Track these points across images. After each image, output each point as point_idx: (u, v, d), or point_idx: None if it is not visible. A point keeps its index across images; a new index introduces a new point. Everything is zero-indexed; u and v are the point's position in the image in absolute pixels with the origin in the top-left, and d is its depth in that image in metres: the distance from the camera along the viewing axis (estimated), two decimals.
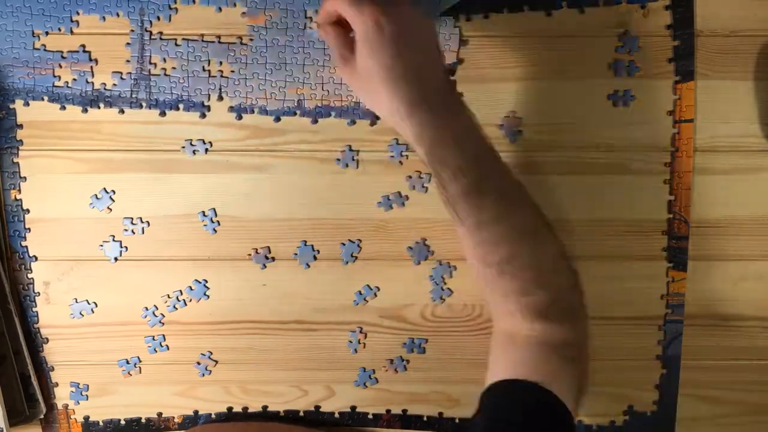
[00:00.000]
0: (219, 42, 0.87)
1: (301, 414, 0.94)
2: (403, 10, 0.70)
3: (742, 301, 0.92)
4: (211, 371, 0.93)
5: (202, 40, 0.87)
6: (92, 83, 0.87)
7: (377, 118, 0.88)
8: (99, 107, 0.87)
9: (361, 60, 0.72)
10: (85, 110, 0.87)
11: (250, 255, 0.90)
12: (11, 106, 0.87)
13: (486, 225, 0.73)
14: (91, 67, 0.87)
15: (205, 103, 0.87)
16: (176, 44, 0.86)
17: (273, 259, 0.90)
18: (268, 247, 0.90)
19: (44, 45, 0.86)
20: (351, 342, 0.93)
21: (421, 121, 0.71)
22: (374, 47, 0.70)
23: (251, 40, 0.87)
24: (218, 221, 0.90)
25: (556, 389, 0.71)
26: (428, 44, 0.73)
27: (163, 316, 0.91)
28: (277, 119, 0.88)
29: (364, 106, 0.88)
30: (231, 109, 0.88)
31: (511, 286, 0.74)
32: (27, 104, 0.87)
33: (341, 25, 0.74)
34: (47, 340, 0.91)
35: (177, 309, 0.92)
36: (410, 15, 0.71)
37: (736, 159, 0.89)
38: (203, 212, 0.89)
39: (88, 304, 0.91)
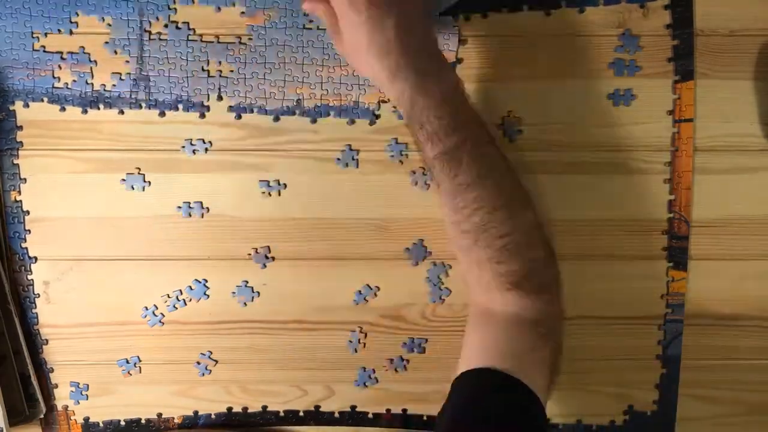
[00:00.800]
0: (218, 42, 0.87)
1: (301, 414, 0.94)
2: None
3: (742, 301, 0.91)
4: (211, 371, 0.93)
5: (201, 40, 0.87)
6: (92, 84, 0.87)
7: (377, 117, 0.88)
8: (99, 108, 0.88)
9: (344, 35, 0.77)
10: (84, 111, 0.87)
11: (250, 255, 0.90)
12: (11, 108, 0.87)
13: (461, 190, 0.75)
14: (91, 68, 0.87)
15: (205, 103, 0.87)
16: (175, 44, 0.86)
17: (273, 258, 0.90)
18: (268, 247, 0.90)
19: (44, 46, 0.86)
20: (351, 342, 0.93)
21: (402, 87, 0.75)
22: (352, 27, 0.74)
23: (250, 39, 0.87)
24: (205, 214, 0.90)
25: (527, 374, 0.73)
26: (409, 12, 0.76)
27: (163, 315, 0.91)
28: (277, 119, 0.88)
29: (363, 106, 0.88)
30: (230, 108, 0.88)
31: (485, 254, 0.76)
32: (27, 106, 0.87)
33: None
34: (47, 341, 0.92)
35: (177, 309, 0.92)
36: None
37: (736, 159, 0.89)
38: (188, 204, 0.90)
39: (88, 304, 0.91)
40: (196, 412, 0.94)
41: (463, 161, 0.74)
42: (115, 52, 0.86)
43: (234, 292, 0.91)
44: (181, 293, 0.91)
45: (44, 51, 0.86)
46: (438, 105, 0.74)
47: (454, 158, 0.75)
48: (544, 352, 0.76)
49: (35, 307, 0.91)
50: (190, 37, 0.86)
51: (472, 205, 0.75)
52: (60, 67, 0.87)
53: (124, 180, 0.89)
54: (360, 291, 0.91)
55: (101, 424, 0.94)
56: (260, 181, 0.89)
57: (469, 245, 0.77)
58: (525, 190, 0.79)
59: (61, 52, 0.87)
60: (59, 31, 0.86)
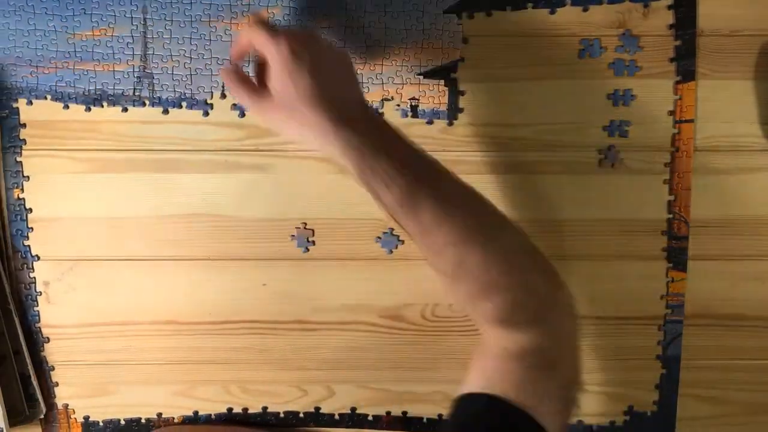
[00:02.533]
0: (221, 39, 0.87)
1: (301, 415, 0.94)
2: (316, 40, 0.75)
3: (742, 301, 0.92)
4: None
5: (205, 38, 0.87)
6: (95, 82, 0.87)
7: None
8: (102, 106, 0.87)
9: (281, 89, 0.73)
10: (88, 109, 0.87)
11: (294, 235, 0.90)
12: (14, 105, 0.87)
13: (428, 231, 0.72)
14: (94, 66, 0.87)
15: (208, 101, 0.88)
16: (179, 42, 0.86)
17: (314, 243, 0.91)
18: (312, 231, 0.91)
19: (47, 44, 0.86)
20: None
21: (347, 136, 0.72)
22: (294, 74, 0.72)
23: None
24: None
25: (527, 403, 0.67)
26: (344, 67, 0.77)
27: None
28: None
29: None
30: (234, 106, 0.88)
31: (468, 291, 0.73)
32: (30, 103, 0.87)
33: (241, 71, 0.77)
34: (48, 339, 0.91)
35: (177, 309, 0.91)
36: (323, 43, 0.76)
37: (736, 159, 0.89)
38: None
39: (88, 303, 0.91)
40: (196, 413, 0.94)
41: (424, 200, 0.72)
42: (119, 50, 0.87)
43: (234, 292, 0.91)
44: (181, 293, 0.91)
45: (47, 48, 0.86)
46: (384, 149, 0.72)
47: (413, 198, 0.72)
48: (543, 386, 0.70)
49: (36, 305, 0.91)
50: (194, 35, 0.87)
51: (444, 243, 0.72)
52: (63, 65, 0.87)
53: (124, 180, 0.89)
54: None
55: (101, 424, 0.93)
56: (260, 181, 0.89)
57: (451, 284, 0.74)
58: (498, 216, 0.77)
59: (65, 50, 0.87)
60: (63, 28, 0.86)
